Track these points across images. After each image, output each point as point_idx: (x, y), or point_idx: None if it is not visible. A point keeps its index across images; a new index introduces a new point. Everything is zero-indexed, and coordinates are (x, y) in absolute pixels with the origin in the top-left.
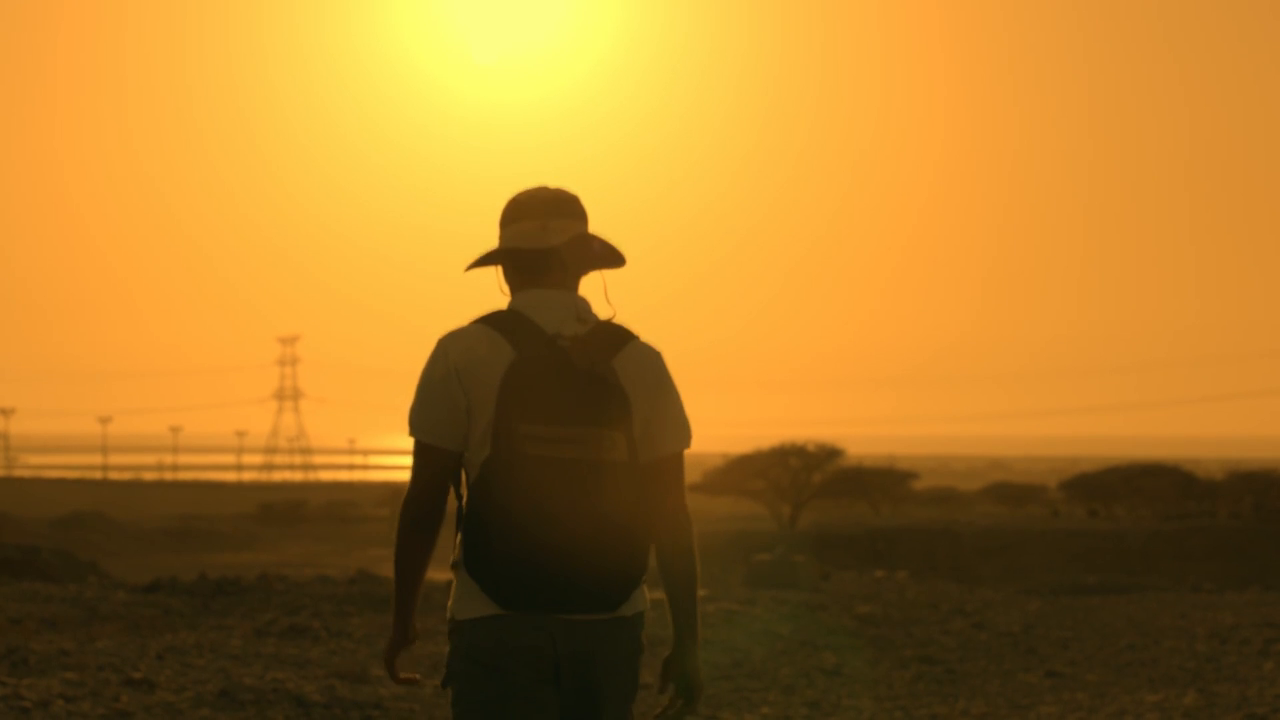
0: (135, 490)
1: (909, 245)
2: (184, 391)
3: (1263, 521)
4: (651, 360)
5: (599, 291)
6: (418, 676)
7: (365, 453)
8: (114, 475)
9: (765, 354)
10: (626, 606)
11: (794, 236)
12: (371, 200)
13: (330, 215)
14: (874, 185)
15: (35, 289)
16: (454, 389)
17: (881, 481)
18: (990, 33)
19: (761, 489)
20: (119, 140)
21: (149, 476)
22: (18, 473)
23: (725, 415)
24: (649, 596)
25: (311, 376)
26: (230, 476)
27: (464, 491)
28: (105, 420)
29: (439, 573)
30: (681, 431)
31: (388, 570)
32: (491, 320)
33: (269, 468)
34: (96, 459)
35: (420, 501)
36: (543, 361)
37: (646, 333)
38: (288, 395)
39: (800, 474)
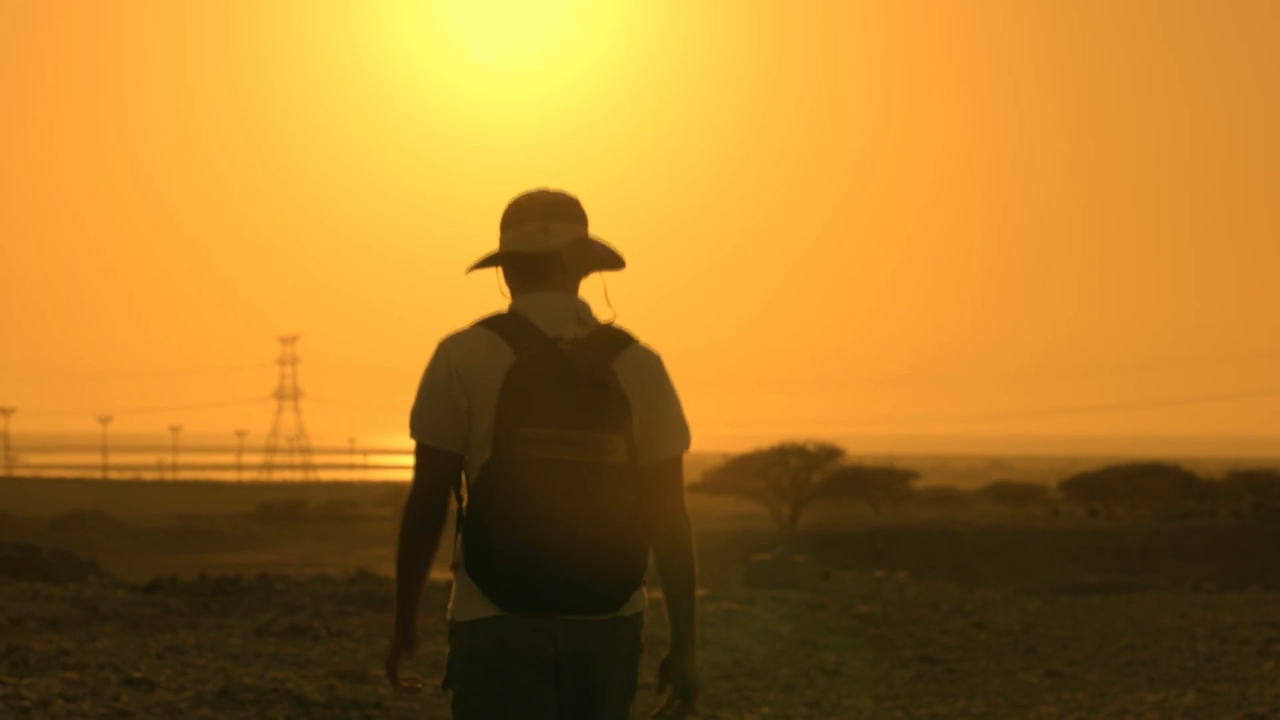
0: (135, 490)
1: (909, 245)
2: (184, 391)
3: (1263, 521)
4: (651, 364)
5: (599, 294)
6: (419, 683)
7: (365, 452)
8: (114, 475)
9: (765, 354)
10: (626, 607)
11: (794, 236)
12: (371, 200)
13: (330, 215)
14: (874, 185)
15: (35, 289)
16: (455, 391)
17: (881, 481)
18: (990, 33)
19: (761, 489)
20: (119, 140)
21: (149, 476)
22: (18, 472)
23: (725, 415)
24: (648, 596)
25: (311, 376)
26: (230, 476)
27: (464, 493)
28: (105, 420)
29: (439, 573)
30: (680, 435)
31: (388, 570)
32: (492, 323)
33: (269, 467)
34: (96, 458)
35: (423, 502)
36: (543, 364)
37: (646, 332)
38: (288, 395)
39: (800, 474)
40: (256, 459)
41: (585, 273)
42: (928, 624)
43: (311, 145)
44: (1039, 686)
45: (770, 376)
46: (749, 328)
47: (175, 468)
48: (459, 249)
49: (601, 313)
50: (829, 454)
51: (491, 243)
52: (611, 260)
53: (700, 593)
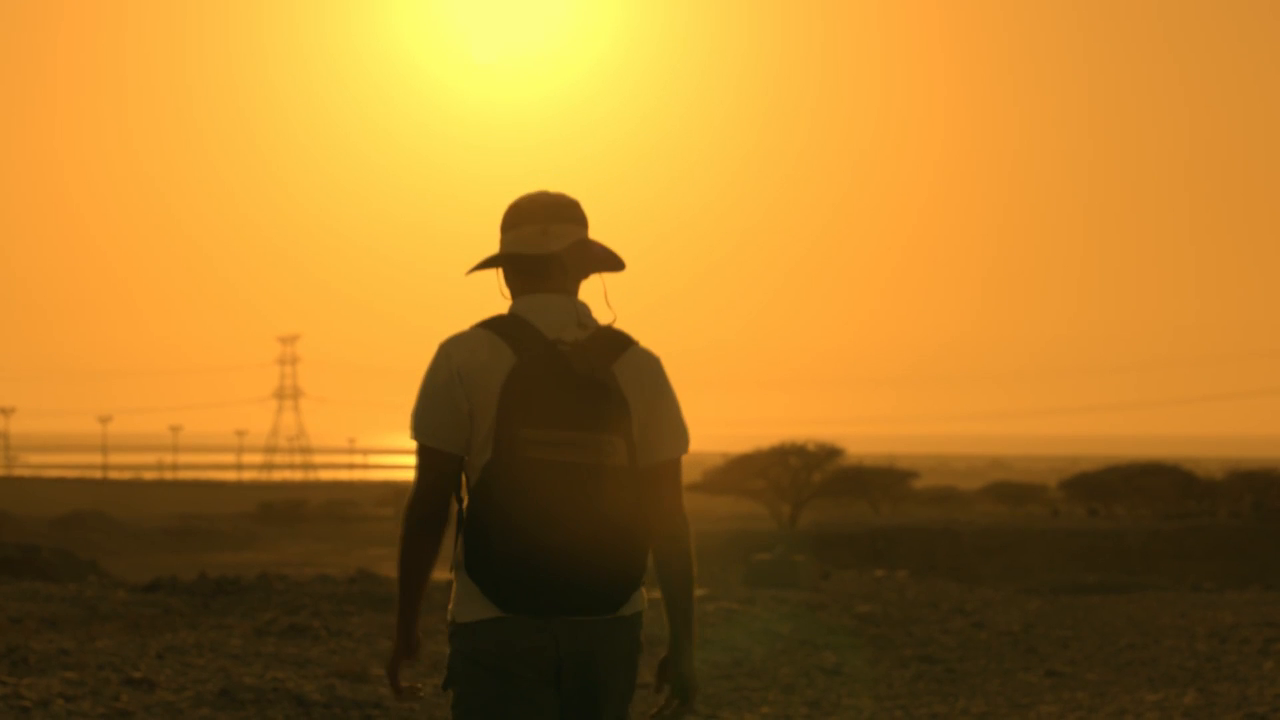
0: (135, 489)
1: (909, 245)
2: (184, 391)
3: (1263, 521)
4: (650, 366)
5: (599, 296)
6: (420, 688)
7: (365, 452)
8: (114, 474)
9: (765, 354)
10: (626, 607)
11: (794, 236)
12: (371, 199)
13: (330, 215)
14: (874, 185)
15: (35, 289)
16: (456, 393)
17: (881, 481)
18: (990, 33)
19: (761, 488)
20: (119, 140)
21: (149, 476)
22: (18, 472)
23: (725, 415)
24: (647, 596)
25: (311, 376)
26: (230, 476)
27: (464, 495)
28: (105, 419)
29: (439, 573)
30: (679, 437)
31: (388, 570)
32: (493, 325)
33: (269, 467)
34: (96, 458)
35: (425, 504)
36: (543, 366)
37: (647, 332)
38: (288, 394)
39: (800, 473)
40: (256, 459)
41: (585, 275)
42: (928, 624)
43: (311, 145)
44: (1039, 686)
45: (770, 376)
46: (749, 328)
47: (175, 467)
48: (459, 249)
49: (602, 315)
50: (829, 454)
51: (491, 243)
52: (611, 262)
53: (700, 593)
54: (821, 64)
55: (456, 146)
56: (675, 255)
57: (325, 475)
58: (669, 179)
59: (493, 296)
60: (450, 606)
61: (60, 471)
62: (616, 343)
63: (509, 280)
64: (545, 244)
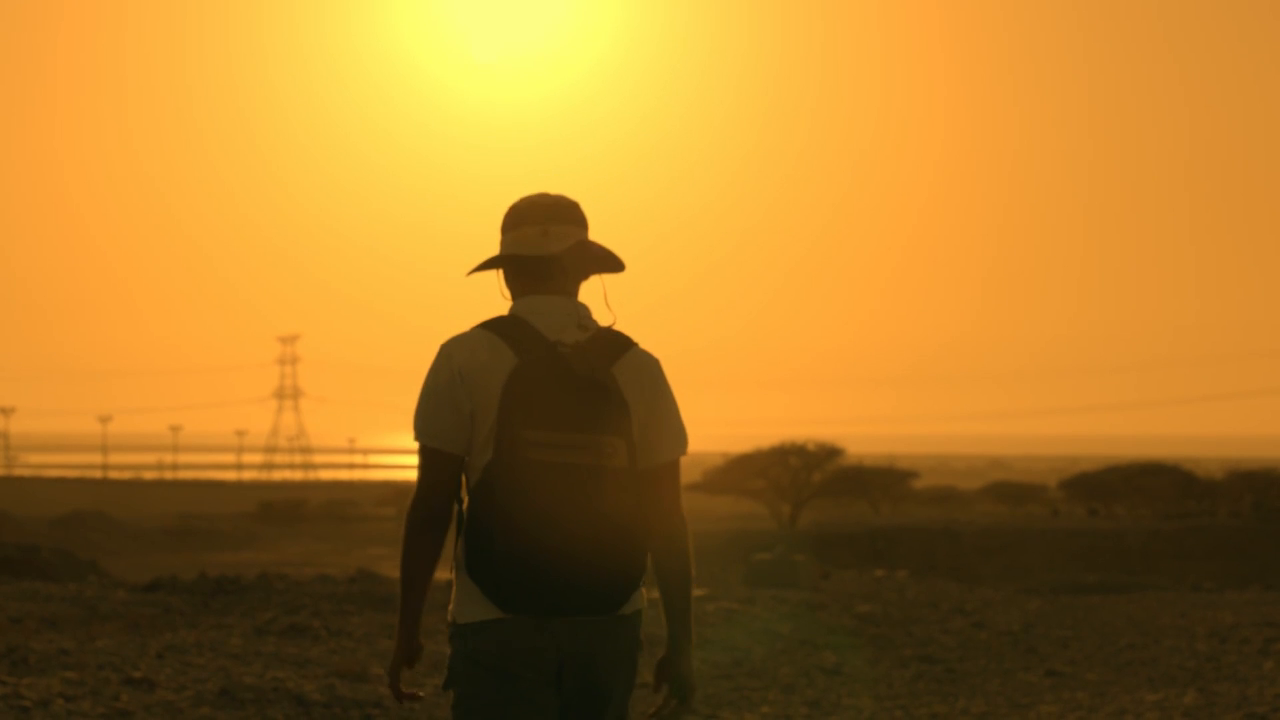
0: (135, 489)
1: (909, 245)
2: (184, 390)
3: (1263, 521)
4: (650, 368)
5: (599, 297)
6: (421, 694)
7: (365, 452)
8: (114, 474)
9: (765, 354)
10: (626, 606)
11: (794, 236)
12: (371, 199)
13: (330, 214)
14: (874, 185)
15: (35, 289)
16: (458, 394)
17: (881, 481)
18: (990, 33)
19: (761, 488)
20: (119, 140)
21: (149, 475)
22: (18, 472)
23: (725, 415)
24: (647, 595)
25: (311, 376)
26: (230, 475)
27: (464, 495)
28: (105, 419)
29: (439, 573)
30: (679, 439)
31: (388, 569)
32: (493, 326)
33: (269, 467)
34: (96, 458)
35: (428, 503)
36: (544, 367)
37: (646, 333)
38: (288, 394)
39: (800, 473)
40: (256, 458)
41: (585, 276)
42: (928, 624)
43: (311, 145)
44: (1039, 686)
45: (770, 376)
46: (749, 328)
47: (175, 467)
48: (459, 249)
49: (602, 316)
50: (829, 454)
51: (491, 242)
52: (611, 263)
53: (700, 592)
54: (821, 64)
55: (456, 146)
56: (675, 255)
57: (325, 475)
58: (669, 179)
59: (493, 297)
60: (450, 607)
61: (60, 471)
62: (616, 344)
63: (509, 281)
64: (545, 245)
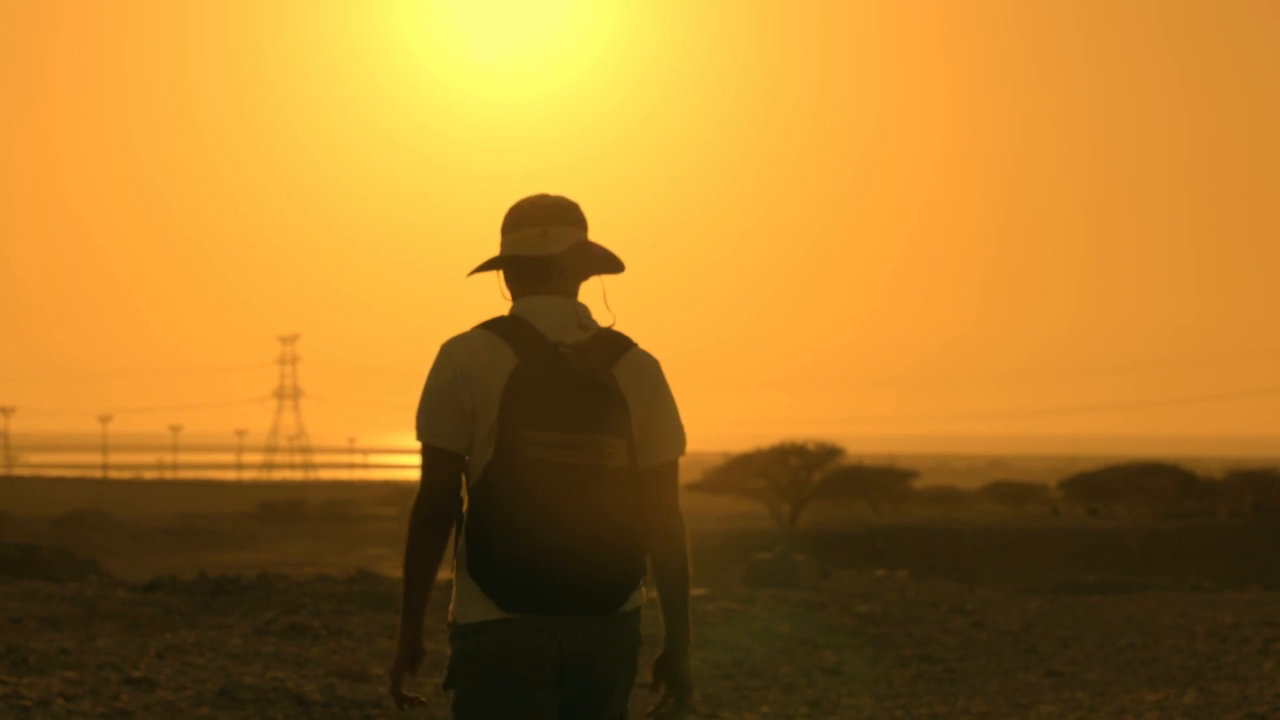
0: (135, 489)
1: (909, 245)
2: (184, 390)
3: (1263, 520)
4: (649, 368)
5: (598, 297)
6: (423, 698)
7: (365, 451)
8: (114, 474)
9: (765, 354)
10: (626, 604)
11: (794, 236)
12: (371, 199)
13: (330, 214)
14: (874, 185)
15: (35, 289)
16: (460, 393)
17: (881, 480)
18: (990, 33)
19: (761, 488)
20: (119, 140)
21: (149, 475)
22: (18, 471)
23: (725, 414)
24: (646, 594)
25: (311, 375)
26: (230, 475)
27: (464, 495)
28: (105, 419)
29: (440, 572)
30: (678, 439)
31: (388, 569)
32: (494, 326)
33: (269, 466)
34: (96, 458)
35: (431, 502)
36: (545, 367)
37: (646, 333)
38: (288, 394)
39: (800, 473)
40: (256, 458)
41: (585, 276)
42: (928, 623)
43: (311, 144)
44: (1039, 686)
45: (770, 376)
46: (749, 328)
47: (175, 467)
48: (459, 248)
49: (601, 317)
50: (829, 453)
51: (491, 242)
52: (611, 264)
53: (700, 592)
54: (821, 64)
55: (456, 146)
56: (675, 255)
57: (325, 475)
58: (669, 179)
59: (493, 296)
60: (451, 607)
61: (60, 471)
62: (616, 345)
63: (509, 282)
64: (545, 246)
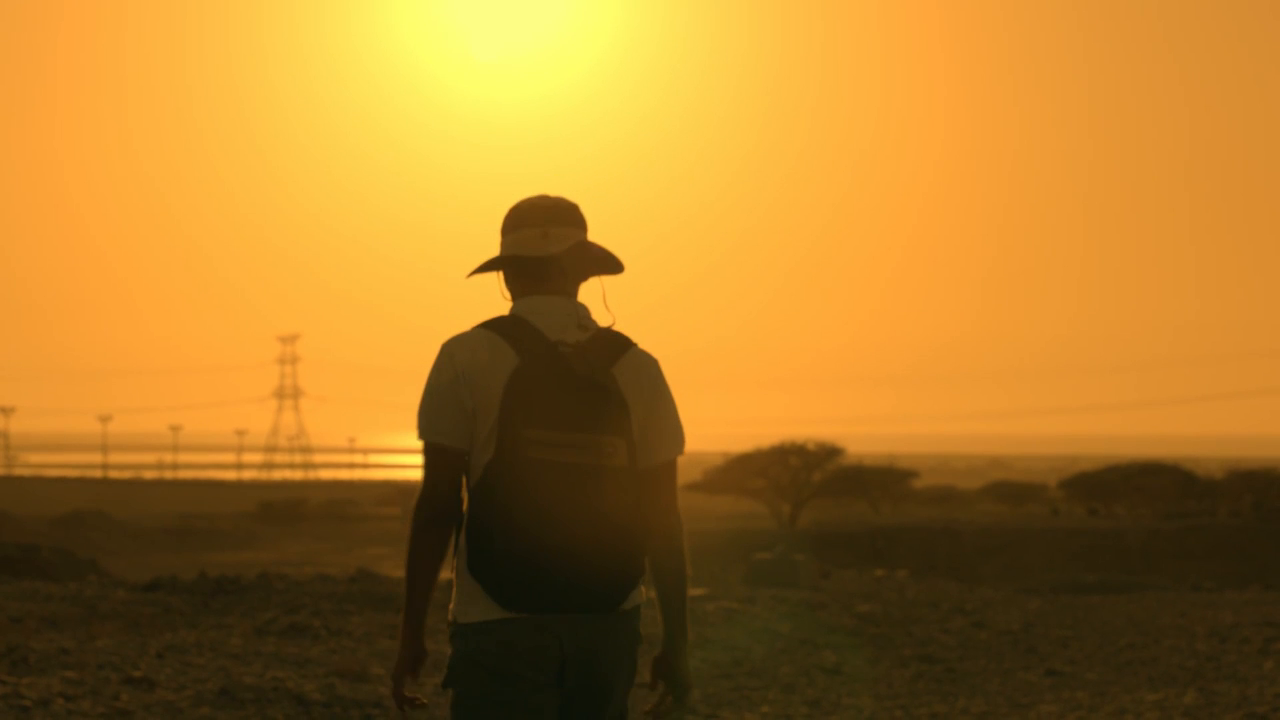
0: (135, 489)
1: (909, 244)
2: (184, 390)
3: (1263, 520)
4: (649, 368)
5: (598, 298)
6: (424, 701)
7: (365, 451)
8: (114, 474)
9: (765, 353)
10: (626, 602)
11: (794, 236)
12: (371, 198)
13: (330, 214)
14: (874, 185)
15: (35, 289)
16: (461, 392)
17: (881, 480)
18: (990, 33)
19: (761, 487)
20: (119, 140)
21: (149, 475)
22: (18, 471)
23: (725, 414)
24: (645, 593)
25: (312, 375)
26: (230, 475)
27: (464, 495)
28: (105, 419)
29: (441, 572)
30: (677, 438)
31: (388, 569)
32: (495, 325)
33: (269, 466)
34: (96, 457)
35: (434, 500)
36: (545, 367)
37: (646, 333)
38: (288, 394)
39: (800, 473)
40: (256, 458)
41: (584, 277)
42: (928, 623)
43: (311, 144)
44: (1039, 686)
45: (770, 376)
46: (749, 328)
47: (175, 467)
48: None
49: (601, 317)
50: (829, 453)
51: (491, 241)
52: (610, 264)
53: (700, 592)
54: (821, 64)
55: (456, 145)
56: (675, 255)
57: (325, 475)
58: (669, 179)
59: (493, 296)
60: (451, 606)
61: (60, 471)
62: (616, 345)
63: (509, 282)
64: (545, 246)
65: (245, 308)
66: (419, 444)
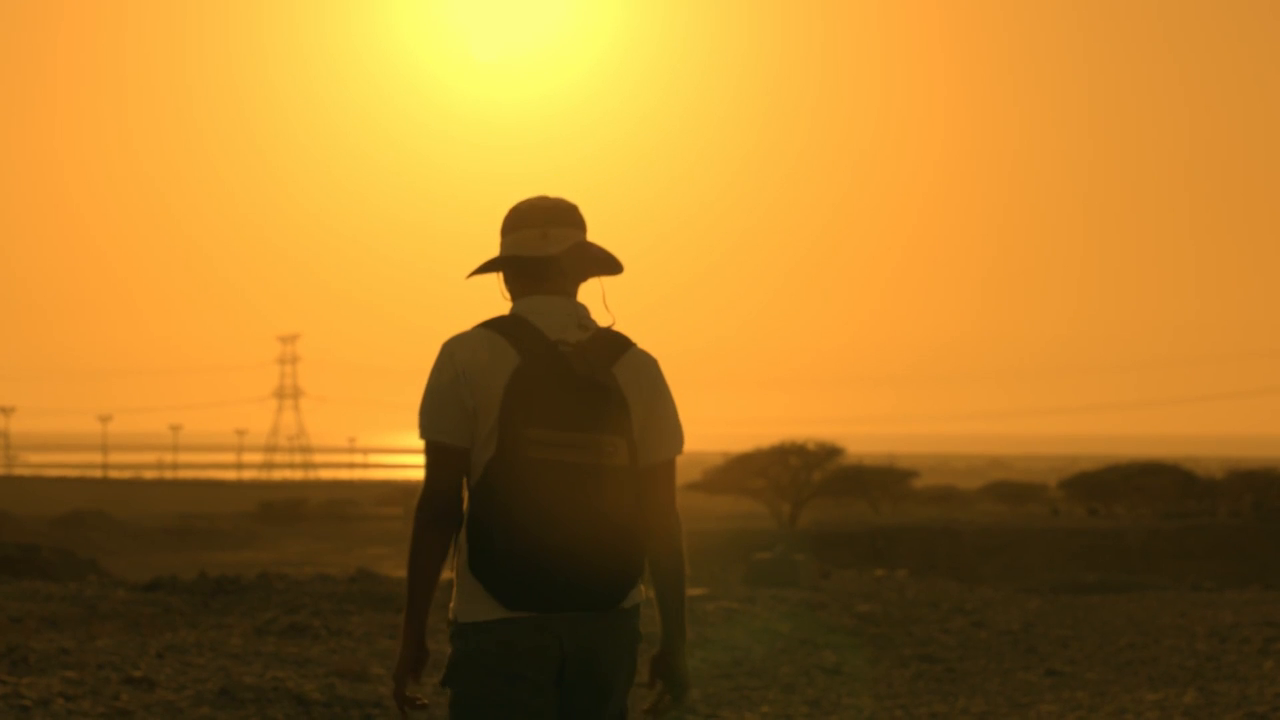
0: (135, 489)
1: (908, 244)
2: (184, 390)
3: (1263, 520)
4: (649, 367)
5: (597, 298)
6: (425, 701)
7: (365, 451)
8: (114, 474)
9: (765, 353)
10: (626, 601)
11: (794, 236)
12: (371, 198)
13: (330, 214)
14: (874, 185)
15: (35, 289)
16: (462, 392)
17: (881, 480)
18: (990, 33)
19: (761, 487)
20: (119, 140)
21: (149, 475)
22: (18, 471)
23: (725, 414)
24: (645, 592)
25: (312, 375)
26: (230, 475)
27: (465, 494)
28: (105, 419)
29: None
30: (676, 438)
31: (388, 569)
32: (495, 325)
33: (269, 466)
34: (97, 457)
35: (437, 499)
36: (545, 367)
37: (646, 332)
38: (288, 394)
39: (800, 472)
40: (257, 458)
41: (584, 277)
42: (928, 623)
43: (311, 144)
44: (1039, 685)
45: (770, 376)
46: (749, 328)
47: (175, 467)
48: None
49: (600, 317)
50: (829, 453)
51: (491, 241)
52: (609, 265)
53: (700, 592)
54: (821, 64)
55: (456, 145)
56: (675, 255)
57: (325, 474)
58: (669, 179)
59: (493, 297)
60: (452, 606)
61: (60, 471)
62: (616, 344)
63: (509, 283)
64: (544, 247)
65: (245, 308)
66: (421, 443)
